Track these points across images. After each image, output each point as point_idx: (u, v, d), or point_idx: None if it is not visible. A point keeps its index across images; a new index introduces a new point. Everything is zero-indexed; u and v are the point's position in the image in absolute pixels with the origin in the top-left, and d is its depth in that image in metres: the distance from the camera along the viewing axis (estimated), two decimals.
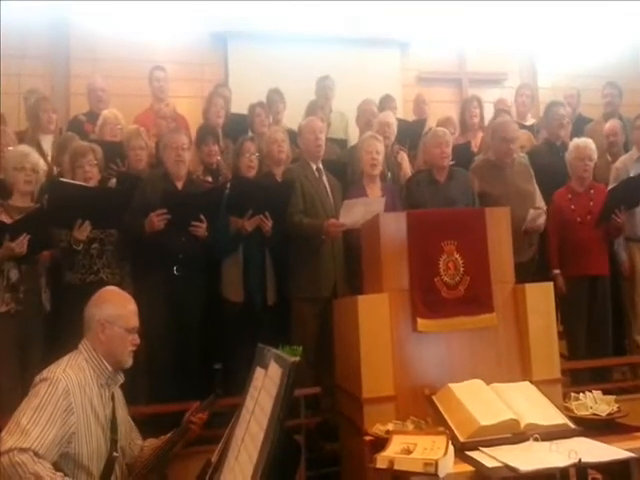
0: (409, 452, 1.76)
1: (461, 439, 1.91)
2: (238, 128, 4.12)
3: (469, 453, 1.85)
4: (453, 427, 1.95)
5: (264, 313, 3.20)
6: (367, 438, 2.05)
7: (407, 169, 4.13)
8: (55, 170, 3.55)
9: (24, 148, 3.15)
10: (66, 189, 2.92)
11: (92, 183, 3.08)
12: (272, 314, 3.23)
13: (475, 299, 2.30)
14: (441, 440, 1.78)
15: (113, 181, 3.42)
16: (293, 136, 3.84)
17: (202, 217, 3.06)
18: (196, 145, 3.68)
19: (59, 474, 1.73)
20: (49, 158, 3.71)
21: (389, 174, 3.84)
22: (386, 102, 4.70)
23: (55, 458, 1.76)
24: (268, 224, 3.16)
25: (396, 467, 1.71)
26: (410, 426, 2.05)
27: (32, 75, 4.72)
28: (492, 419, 1.94)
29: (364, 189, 3.43)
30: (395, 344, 2.24)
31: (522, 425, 1.96)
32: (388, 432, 1.97)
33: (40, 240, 2.85)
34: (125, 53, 4.91)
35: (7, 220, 2.85)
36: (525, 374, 2.32)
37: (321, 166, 3.49)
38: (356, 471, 2.30)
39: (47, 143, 3.84)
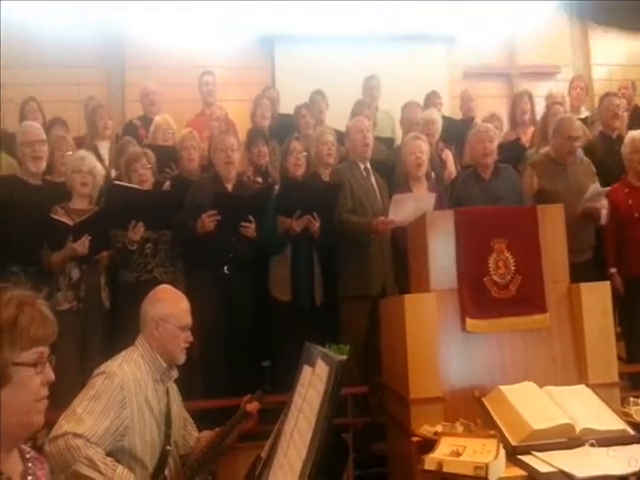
0: (458, 454, 1.74)
1: (513, 443, 1.86)
2: (285, 129, 4.17)
3: (521, 457, 1.80)
4: (504, 430, 1.91)
5: (312, 312, 3.23)
6: (415, 439, 2.03)
7: (452, 167, 4.07)
8: (113, 173, 3.70)
9: (81, 152, 3.30)
10: (121, 192, 3.05)
11: (146, 186, 3.20)
12: (320, 313, 3.26)
13: (527, 299, 2.24)
14: (492, 443, 1.75)
15: (167, 184, 3.53)
16: (339, 136, 3.85)
17: (251, 218, 3.12)
18: (246, 147, 3.75)
19: (109, 459, 1.79)
20: (106, 163, 3.86)
21: (433, 174, 3.80)
22: (431, 99, 4.64)
23: (107, 449, 1.82)
24: (316, 224, 3.19)
25: (445, 469, 1.69)
26: (459, 428, 2.02)
27: (90, 84, 4.94)
28: (546, 423, 1.88)
29: (410, 189, 3.40)
30: (443, 344, 2.20)
31: (577, 430, 1.89)
32: (436, 434, 1.94)
33: (100, 241, 2.99)
34: (176, 60, 5.06)
35: (68, 222, 3.00)
36: (581, 377, 2.23)
37: (369, 166, 3.49)
38: (404, 472, 2.29)
39: (104, 148, 4.01)
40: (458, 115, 4.91)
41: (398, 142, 4.33)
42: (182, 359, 2.10)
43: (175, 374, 2.13)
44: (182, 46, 5.12)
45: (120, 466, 1.81)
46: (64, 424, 1.76)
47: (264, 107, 4.21)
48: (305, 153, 3.47)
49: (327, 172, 3.54)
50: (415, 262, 2.55)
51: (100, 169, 3.29)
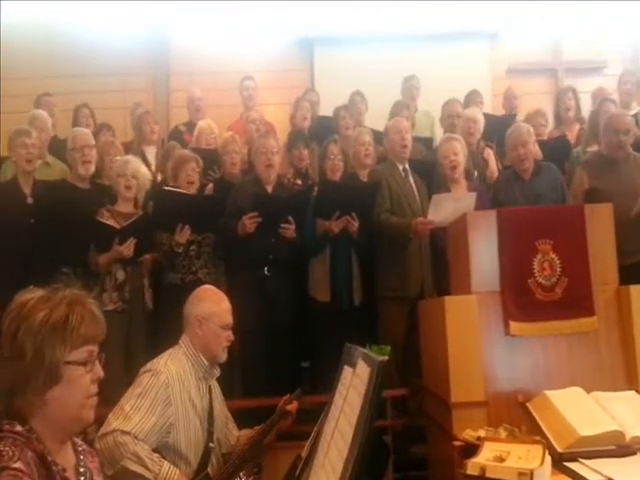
0: (502, 460, 1.70)
1: (559, 449, 1.81)
2: (324, 131, 4.18)
3: (568, 464, 1.75)
4: (550, 436, 1.86)
5: (351, 313, 3.23)
6: (457, 443, 2.00)
7: (494, 166, 3.98)
8: (159, 178, 3.80)
9: (127, 157, 3.40)
10: (169, 196, 3.14)
11: (193, 189, 3.28)
12: (359, 314, 3.25)
13: (573, 302, 2.18)
14: (537, 449, 1.70)
15: (210, 187, 3.60)
16: (378, 137, 3.84)
17: (290, 219, 3.15)
18: (286, 149, 3.78)
19: (156, 455, 1.84)
20: (153, 167, 3.97)
21: (475, 173, 3.73)
22: (472, 97, 4.54)
23: (154, 445, 1.87)
24: (355, 224, 3.19)
25: (488, 475, 1.66)
26: (503, 433, 1.98)
27: (136, 91, 5.09)
28: (593, 429, 1.82)
29: (449, 190, 3.34)
30: (485, 348, 2.16)
31: (628, 437, 1.82)
32: (479, 438, 1.91)
33: (144, 244, 3.08)
34: (218, 66, 5.16)
35: (114, 224, 3.09)
36: (630, 383, 2.15)
37: (407, 166, 3.46)
38: (445, 476, 2.26)
39: (151, 153, 4.12)
40: (501, 113, 4.80)
41: (437, 142, 4.28)
42: (223, 358, 2.14)
43: (217, 372, 2.17)
44: (223, 52, 5.22)
45: (166, 462, 1.85)
46: (112, 421, 1.82)
47: (304, 109, 4.24)
48: (341, 156, 3.47)
49: (365, 173, 3.54)
50: (455, 263, 2.51)
51: (145, 173, 3.39)
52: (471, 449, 1.84)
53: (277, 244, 3.17)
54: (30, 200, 3.26)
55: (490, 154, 4.03)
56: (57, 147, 3.81)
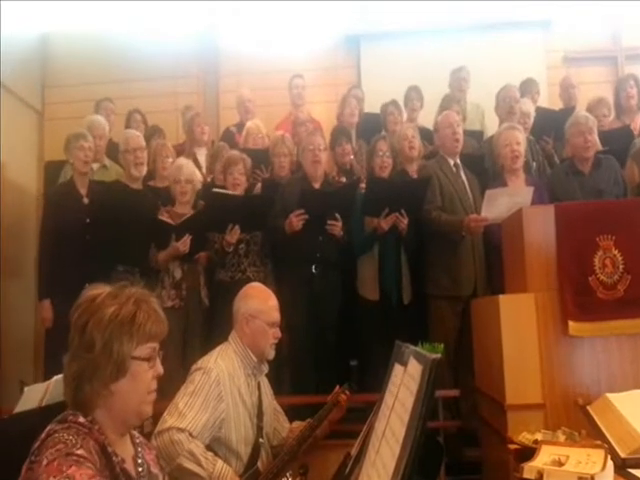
0: (561, 464, 1.63)
1: (622, 455, 1.71)
2: (371, 128, 4.15)
3: (632, 471, 1.66)
4: (612, 441, 1.76)
5: (400, 311, 3.18)
6: (512, 447, 1.93)
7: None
8: (209, 178, 3.87)
9: (180, 162, 3.48)
10: (219, 198, 3.21)
11: (240, 189, 3.34)
12: (408, 312, 3.21)
13: (637, 300, 2.05)
14: (598, 454, 1.62)
15: (258, 186, 3.64)
16: (426, 133, 3.76)
17: (337, 216, 3.13)
18: (330, 147, 3.78)
19: (210, 454, 1.87)
20: (203, 169, 4.05)
21: (534, 165, 3.59)
22: (527, 87, 4.38)
23: (207, 441, 1.91)
24: (404, 222, 3.14)
25: (545, 479, 1.59)
26: (561, 437, 1.89)
27: (186, 93, 5.20)
28: None
29: (505, 183, 3.23)
30: (542, 348, 2.08)
31: None
32: (536, 442, 1.84)
33: (199, 241, 3.16)
34: (265, 66, 5.20)
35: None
36: None
37: (459, 161, 3.38)
38: None
39: (201, 155, 4.21)
40: (558, 104, 4.60)
41: (488, 135, 4.16)
42: (271, 355, 2.15)
43: (265, 369, 2.19)
44: (271, 52, 5.26)
45: (219, 461, 1.88)
46: (168, 419, 1.86)
47: (352, 106, 4.22)
48: (389, 153, 3.42)
49: (414, 168, 3.48)
50: (510, 261, 2.43)
51: (197, 175, 3.47)
52: (527, 453, 1.77)
53: (325, 242, 3.17)
54: (86, 200, 3.40)
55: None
56: (113, 150, 3.95)
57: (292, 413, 2.38)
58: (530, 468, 1.63)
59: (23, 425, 1.45)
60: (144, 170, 3.49)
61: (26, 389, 1.68)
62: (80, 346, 1.20)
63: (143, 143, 3.55)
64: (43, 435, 1.14)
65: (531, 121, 3.84)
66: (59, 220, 3.31)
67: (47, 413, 1.27)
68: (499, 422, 2.16)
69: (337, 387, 2.25)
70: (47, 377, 1.77)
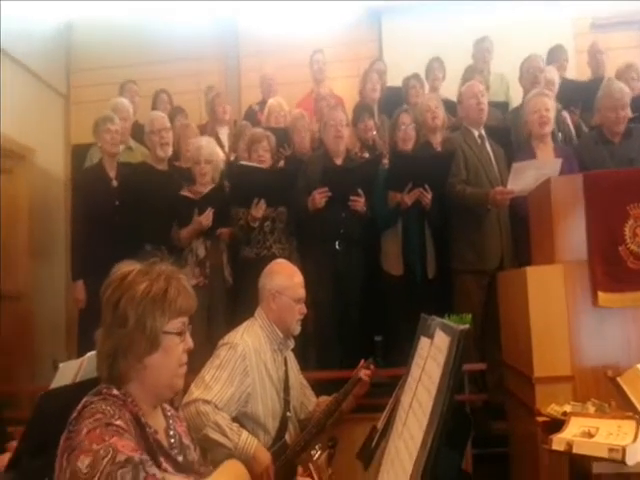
0: (591, 436, 1.61)
1: None
2: (394, 101, 4.08)
3: None
4: None
5: (424, 286, 3.17)
6: (540, 419, 1.92)
7: (571, 133, 3.72)
8: (232, 157, 3.88)
9: (199, 142, 3.47)
10: (244, 171, 3.21)
11: (265, 166, 3.31)
12: (433, 287, 3.19)
13: None
14: (629, 425, 1.60)
15: (281, 163, 3.64)
16: (449, 105, 3.68)
17: (360, 191, 3.11)
18: (352, 123, 3.74)
19: (235, 425, 1.91)
20: (226, 148, 4.06)
21: (560, 134, 3.49)
22: (556, 54, 4.24)
23: (233, 414, 1.94)
24: (428, 196, 3.11)
25: (575, 451, 1.58)
26: (591, 408, 1.87)
27: (208, 73, 5.19)
28: None
29: (533, 152, 3.14)
30: (571, 320, 2.05)
31: None
32: (565, 414, 1.82)
33: (221, 215, 3.18)
34: (286, 44, 5.13)
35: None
36: None
37: (484, 132, 3.31)
38: (527, 453, 2.19)
39: (224, 134, 4.21)
40: (586, 72, 4.46)
41: (513, 106, 4.07)
42: (297, 330, 2.17)
43: (291, 344, 2.21)
44: (291, 29, 5.18)
45: (245, 432, 1.92)
46: (194, 391, 1.90)
47: (373, 80, 4.16)
48: (413, 124, 3.37)
49: (438, 140, 3.42)
50: (538, 232, 2.39)
51: (219, 154, 3.47)
52: (556, 425, 1.76)
53: (348, 218, 3.16)
54: (115, 183, 3.44)
55: (566, 117, 3.77)
56: (138, 132, 3.97)
57: (318, 388, 2.41)
58: (559, 440, 1.62)
59: (59, 400, 1.50)
60: (169, 150, 3.50)
61: (61, 365, 1.73)
62: (114, 322, 1.22)
63: (168, 124, 3.56)
64: (80, 407, 1.17)
65: (556, 89, 3.72)
66: (89, 203, 3.36)
67: (81, 388, 1.30)
68: (527, 395, 2.15)
69: (361, 362, 2.27)
70: (80, 355, 1.81)
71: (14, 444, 1.79)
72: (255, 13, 5.32)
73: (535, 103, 3.15)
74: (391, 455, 1.26)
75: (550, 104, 3.15)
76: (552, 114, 3.15)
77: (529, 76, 3.84)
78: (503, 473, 2.60)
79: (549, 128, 3.15)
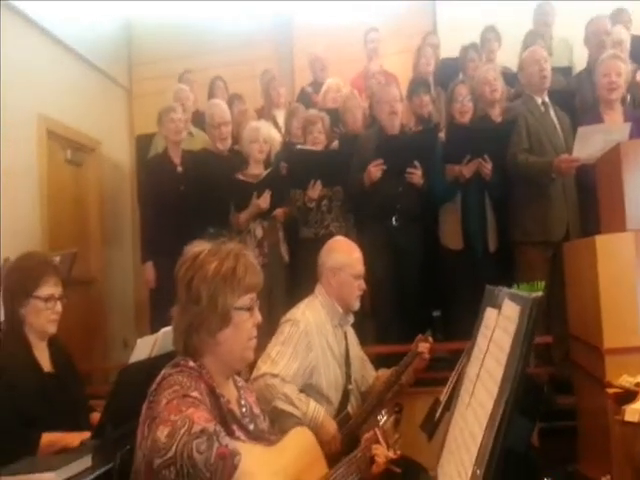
0: None
1: None
2: (449, 73, 3.98)
3: None
4: None
5: (486, 259, 3.11)
6: (612, 390, 1.88)
7: None
8: (287, 138, 3.92)
9: (257, 123, 3.57)
10: (300, 155, 3.27)
11: (320, 147, 3.36)
12: (494, 260, 3.13)
13: None
14: None
15: (335, 143, 3.64)
16: (510, 77, 3.55)
17: (417, 164, 3.07)
18: (407, 98, 3.68)
19: (303, 395, 1.97)
20: (283, 130, 4.10)
21: (629, 97, 3.30)
22: (617, 17, 3.98)
23: (299, 387, 1.99)
24: (488, 167, 3.03)
25: None
26: None
27: (262, 59, 5.22)
28: None
29: (600, 117, 2.99)
30: None
31: None
32: (638, 385, 1.77)
33: (278, 197, 3.25)
34: (338, 22, 5.08)
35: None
36: None
37: (547, 99, 3.18)
38: (596, 426, 2.14)
39: (280, 117, 4.25)
40: None
41: (577, 71, 3.87)
42: (357, 306, 2.19)
43: (351, 319, 2.24)
44: (342, 7, 5.13)
45: (312, 401, 1.98)
46: (261, 366, 1.97)
47: (427, 55, 4.07)
48: (470, 96, 3.27)
49: (497, 112, 3.32)
50: (607, 199, 2.29)
51: (276, 135, 3.53)
52: (629, 396, 1.72)
53: (404, 193, 3.14)
54: (180, 169, 3.56)
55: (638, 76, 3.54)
56: (198, 119, 4.08)
57: (377, 363, 2.44)
58: (632, 411, 1.59)
59: (137, 374, 1.59)
60: (228, 144, 3.61)
61: (138, 341, 1.82)
62: (188, 300, 1.28)
63: (228, 117, 3.64)
64: (159, 378, 1.24)
65: (623, 47, 3.50)
66: (157, 190, 3.49)
67: (157, 362, 1.38)
68: (596, 367, 2.09)
69: (418, 336, 2.27)
70: (154, 331, 1.90)
71: (96, 415, 1.91)
72: None
73: (607, 66, 2.98)
74: (459, 424, 1.26)
75: (623, 68, 2.97)
76: (623, 79, 2.98)
77: (595, 39, 3.65)
78: (569, 447, 2.55)
79: (618, 94, 2.99)
